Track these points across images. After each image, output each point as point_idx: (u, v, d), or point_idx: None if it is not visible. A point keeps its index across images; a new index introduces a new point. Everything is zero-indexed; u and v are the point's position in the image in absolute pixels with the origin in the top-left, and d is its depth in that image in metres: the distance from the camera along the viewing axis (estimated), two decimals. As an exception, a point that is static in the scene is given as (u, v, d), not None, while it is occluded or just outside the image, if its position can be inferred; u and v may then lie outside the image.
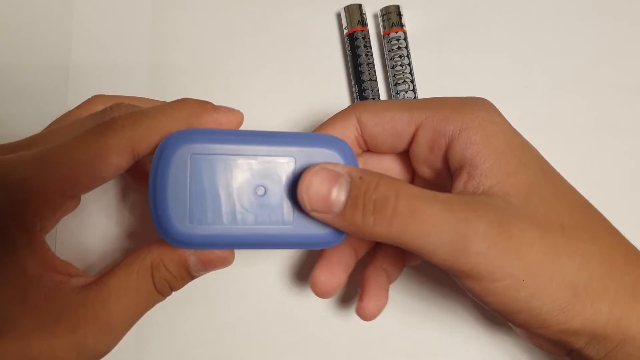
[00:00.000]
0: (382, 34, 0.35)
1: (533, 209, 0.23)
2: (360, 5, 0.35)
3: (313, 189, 0.22)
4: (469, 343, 0.32)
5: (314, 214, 0.23)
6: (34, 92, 0.34)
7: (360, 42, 0.34)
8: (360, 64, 0.34)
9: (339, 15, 0.36)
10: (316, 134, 0.25)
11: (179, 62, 0.35)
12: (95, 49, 0.35)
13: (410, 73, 0.34)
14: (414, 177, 0.28)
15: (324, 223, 0.23)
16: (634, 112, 0.35)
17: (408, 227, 0.21)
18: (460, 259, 0.21)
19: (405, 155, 0.27)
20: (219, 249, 0.24)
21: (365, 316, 0.27)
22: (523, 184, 0.23)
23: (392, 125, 0.25)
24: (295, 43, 0.36)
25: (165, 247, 0.24)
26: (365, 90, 0.34)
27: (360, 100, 0.34)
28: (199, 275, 0.25)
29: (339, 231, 0.23)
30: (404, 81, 0.34)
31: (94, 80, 0.35)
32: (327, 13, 0.36)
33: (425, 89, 0.35)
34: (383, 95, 0.35)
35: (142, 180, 0.30)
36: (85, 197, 0.27)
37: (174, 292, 0.25)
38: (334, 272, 0.26)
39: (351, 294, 0.32)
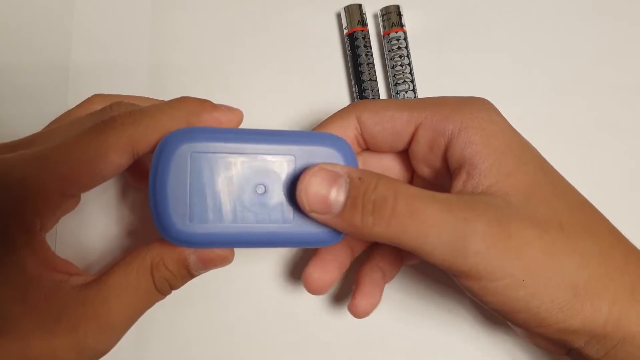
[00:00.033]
0: (382, 34, 0.35)
1: (532, 208, 0.23)
2: (360, 5, 0.35)
3: (312, 189, 0.22)
4: (468, 342, 0.32)
5: (313, 214, 0.23)
6: (34, 92, 0.34)
7: (360, 42, 0.34)
8: (360, 64, 0.34)
9: (339, 15, 0.36)
10: (316, 132, 0.25)
11: (179, 62, 0.35)
12: (95, 49, 0.35)
13: (410, 73, 0.34)
14: (413, 176, 0.28)
15: (323, 224, 0.23)
16: (634, 112, 0.35)
17: (407, 228, 0.21)
18: (459, 258, 0.21)
19: (405, 155, 0.27)
20: (219, 247, 0.24)
21: (357, 313, 0.27)
22: (522, 184, 0.23)
23: (392, 125, 0.25)
24: (295, 43, 0.36)
25: (165, 246, 0.24)
26: (365, 90, 0.34)
27: (360, 100, 0.34)
28: (199, 274, 0.25)
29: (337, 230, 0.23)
30: (404, 81, 0.34)
31: (94, 80, 0.35)
32: (327, 13, 0.36)
33: (425, 89, 0.35)
34: (383, 95, 0.35)
35: (142, 179, 0.30)
36: (85, 196, 0.27)
37: (173, 291, 0.25)
38: (327, 269, 0.27)
39: (350, 293, 0.32)
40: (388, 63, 0.35)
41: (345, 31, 0.35)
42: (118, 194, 0.33)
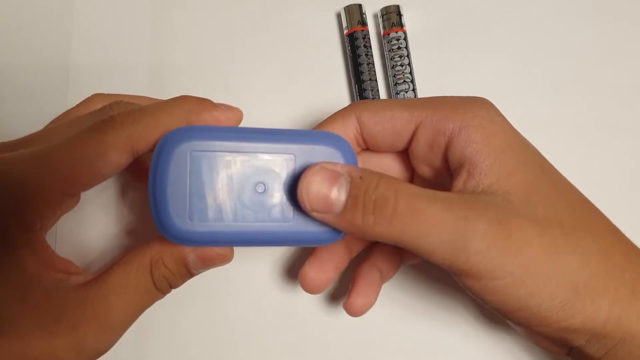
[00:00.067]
0: (382, 34, 0.35)
1: (532, 207, 0.23)
2: (360, 5, 0.35)
3: (313, 189, 0.22)
4: (468, 341, 0.32)
5: (314, 214, 0.23)
6: (34, 92, 0.34)
7: (360, 42, 0.34)
8: (360, 64, 0.34)
9: (339, 15, 0.36)
10: (316, 131, 0.25)
11: (179, 62, 0.35)
12: (95, 49, 0.35)
13: (410, 73, 0.34)
14: (413, 176, 0.28)
15: (324, 223, 0.23)
16: (634, 112, 0.35)
17: (407, 227, 0.21)
18: (460, 257, 0.21)
19: (405, 154, 0.27)
20: (219, 246, 0.24)
21: (352, 312, 0.27)
22: (522, 183, 0.23)
23: (392, 124, 0.25)
24: (295, 43, 0.36)
25: (165, 245, 0.24)
26: (365, 90, 0.34)
27: (360, 100, 0.34)
28: (198, 273, 0.25)
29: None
30: (404, 81, 0.34)
31: (94, 80, 0.35)
32: (327, 13, 0.36)
33: (425, 89, 0.35)
34: (383, 95, 0.35)
35: (142, 178, 0.30)
36: (85, 195, 0.27)
37: (173, 290, 0.25)
38: (324, 268, 0.27)
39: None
40: (388, 63, 0.35)
41: (345, 31, 0.35)
42: (118, 193, 0.33)
